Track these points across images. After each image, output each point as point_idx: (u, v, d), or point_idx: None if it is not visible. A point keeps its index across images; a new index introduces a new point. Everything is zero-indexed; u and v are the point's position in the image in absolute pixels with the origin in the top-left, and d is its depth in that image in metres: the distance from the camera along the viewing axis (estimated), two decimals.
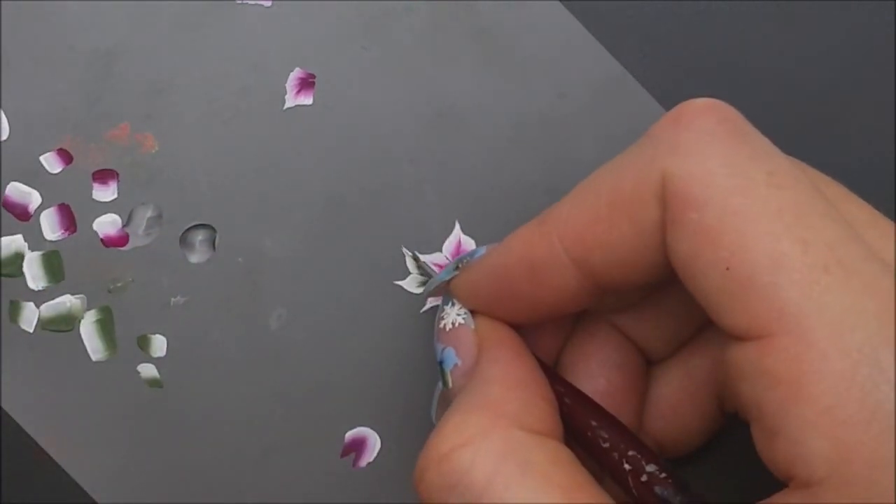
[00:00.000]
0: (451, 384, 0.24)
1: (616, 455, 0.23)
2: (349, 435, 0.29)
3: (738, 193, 0.20)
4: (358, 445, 0.29)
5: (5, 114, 0.29)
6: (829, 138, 0.29)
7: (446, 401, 0.24)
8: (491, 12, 0.30)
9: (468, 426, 0.22)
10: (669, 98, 0.29)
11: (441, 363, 0.25)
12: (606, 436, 0.23)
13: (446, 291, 0.26)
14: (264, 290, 0.29)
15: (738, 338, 0.20)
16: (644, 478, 0.23)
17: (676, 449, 0.26)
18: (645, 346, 0.26)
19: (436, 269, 0.29)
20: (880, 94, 0.29)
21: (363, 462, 0.29)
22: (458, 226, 0.29)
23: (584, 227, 0.22)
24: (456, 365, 0.24)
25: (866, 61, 0.29)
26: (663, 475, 0.23)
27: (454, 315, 0.25)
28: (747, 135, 0.21)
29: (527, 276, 0.23)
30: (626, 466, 0.23)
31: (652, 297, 0.25)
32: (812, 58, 0.30)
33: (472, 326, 0.25)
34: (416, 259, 0.29)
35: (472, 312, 0.25)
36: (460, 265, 0.25)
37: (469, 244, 0.29)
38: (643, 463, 0.23)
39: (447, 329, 0.25)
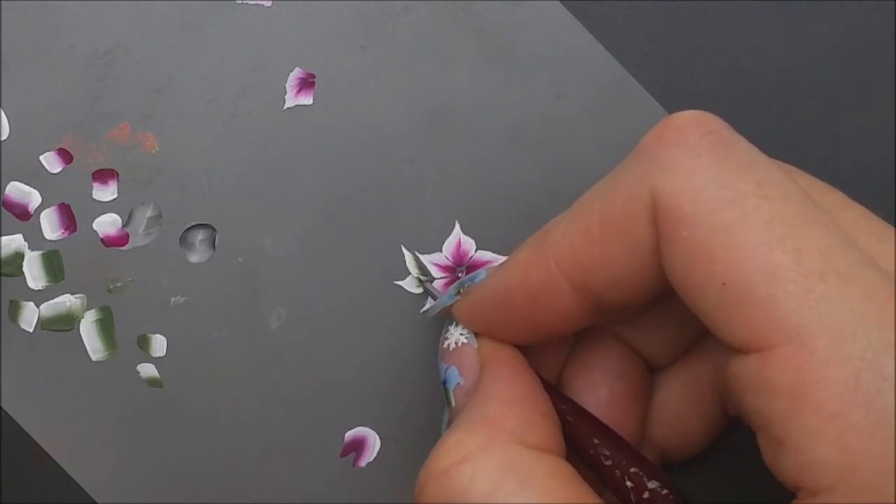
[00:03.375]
0: (454, 403, 0.24)
1: (618, 472, 0.23)
2: (349, 435, 0.29)
3: (728, 207, 0.20)
4: (358, 445, 0.29)
5: (5, 113, 0.29)
6: (829, 138, 0.29)
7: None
8: (490, 12, 0.30)
9: (468, 442, 0.22)
10: (669, 98, 0.29)
11: (444, 383, 0.25)
12: (609, 453, 0.23)
13: (449, 314, 0.26)
14: (264, 289, 0.29)
15: (739, 351, 0.20)
16: (646, 494, 0.23)
17: (680, 454, 0.26)
18: (647, 354, 0.26)
19: (437, 270, 0.29)
20: (880, 94, 0.29)
21: (363, 462, 0.29)
22: (457, 226, 0.29)
23: (580, 249, 0.22)
24: (458, 384, 0.24)
25: (866, 61, 0.29)
26: (665, 491, 0.23)
27: (457, 335, 0.25)
28: (733, 145, 0.21)
29: (526, 301, 0.23)
30: (629, 483, 0.23)
31: (653, 305, 0.25)
32: (812, 58, 0.30)
33: (475, 346, 0.25)
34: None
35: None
36: (462, 289, 0.25)
37: (469, 244, 0.29)
38: (645, 480, 0.23)
39: (450, 349, 0.25)
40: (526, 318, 0.24)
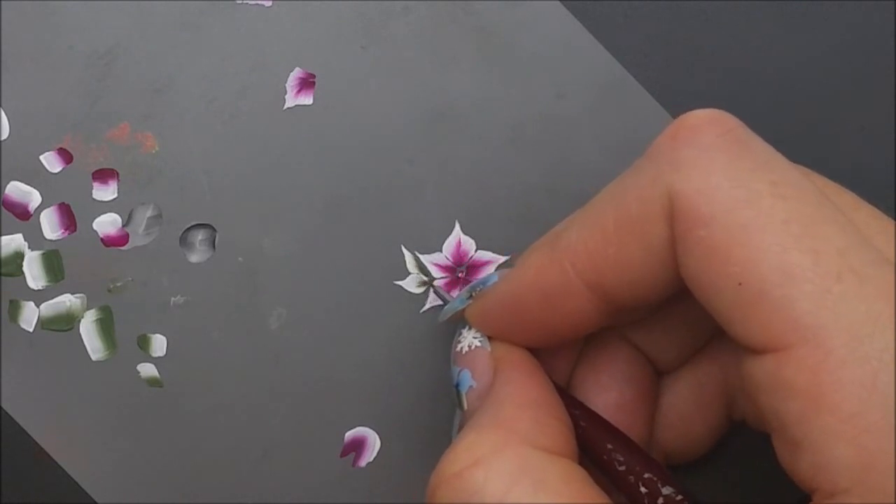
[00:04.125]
0: (466, 406, 0.24)
1: (632, 478, 0.23)
2: (349, 435, 0.29)
3: (744, 207, 0.20)
4: (358, 445, 0.29)
5: (5, 113, 0.29)
6: (829, 138, 0.29)
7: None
8: (490, 12, 0.30)
9: (480, 445, 0.22)
10: (669, 98, 0.29)
11: (457, 386, 0.25)
12: (622, 458, 0.23)
13: (462, 318, 0.26)
14: (264, 289, 0.29)
15: (755, 351, 0.20)
16: (660, 500, 0.23)
17: (684, 457, 0.26)
18: (655, 357, 0.26)
19: (437, 270, 0.29)
20: (880, 94, 0.29)
21: (363, 462, 0.29)
22: (457, 226, 0.29)
23: (595, 250, 0.22)
24: (471, 387, 0.24)
25: (866, 61, 0.29)
26: (679, 497, 0.23)
27: (470, 338, 0.25)
28: (748, 144, 0.21)
29: (540, 304, 0.23)
30: (643, 489, 0.23)
31: (662, 308, 0.25)
32: (812, 58, 0.30)
33: (488, 349, 0.25)
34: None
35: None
36: (474, 293, 0.25)
37: (469, 244, 0.29)
38: (659, 486, 0.23)
39: (463, 352, 0.25)
40: (539, 320, 0.24)
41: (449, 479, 0.21)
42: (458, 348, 0.25)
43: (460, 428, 0.25)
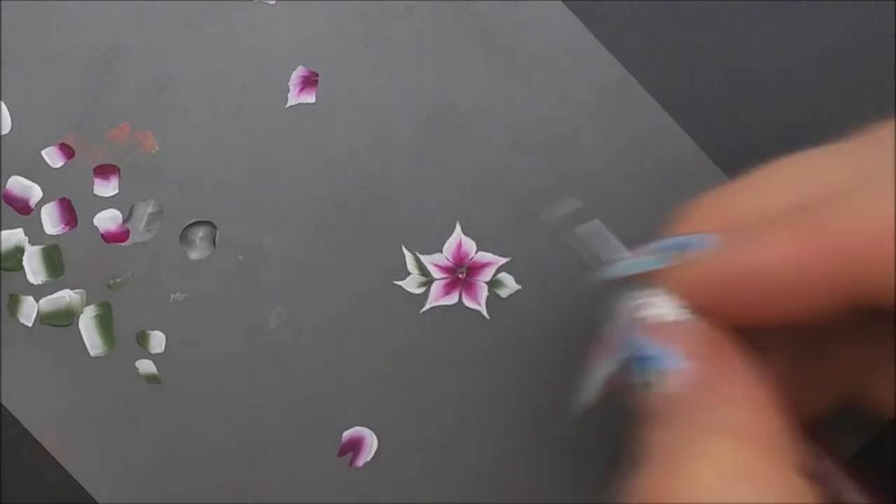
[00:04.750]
0: (668, 388, 0.20)
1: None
2: (347, 434, 0.29)
3: None
4: (355, 445, 0.29)
5: (7, 109, 0.29)
6: (829, 139, 0.29)
7: (649, 402, 0.20)
8: (493, 12, 0.30)
9: (743, 465, 0.18)
10: (669, 98, 0.29)
11: (651, 361, 0.20)
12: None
13: (639, 281, 0.22)
14: (264, 288, 0.29)
15: None
16: None
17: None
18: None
19: (437, 271, 0.29)
20: (880, 94, 0.29)
21: (360, 461, 0.29)
22: (458, 226, 0.29)
23: (875, 243, 0.18)
24: (679, 368, 0.20)
25: (866, 61, 0.29)
26: None
27: (669, 308, 0.21)
28: None
29: (777, 290, 0.19)
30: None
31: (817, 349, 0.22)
32: (812, 58, 0.29)
33: (705, 327, 0.20)
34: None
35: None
36: (669, 255, 0.21)
37: (469, 245, 0.29)
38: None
39: (664, 322, 0.21)
40: (765, 305, 0.20)
41: (704, 491, 0.18)
42: (647, 315, 0.21)
43: (591, 400, 0.22)
